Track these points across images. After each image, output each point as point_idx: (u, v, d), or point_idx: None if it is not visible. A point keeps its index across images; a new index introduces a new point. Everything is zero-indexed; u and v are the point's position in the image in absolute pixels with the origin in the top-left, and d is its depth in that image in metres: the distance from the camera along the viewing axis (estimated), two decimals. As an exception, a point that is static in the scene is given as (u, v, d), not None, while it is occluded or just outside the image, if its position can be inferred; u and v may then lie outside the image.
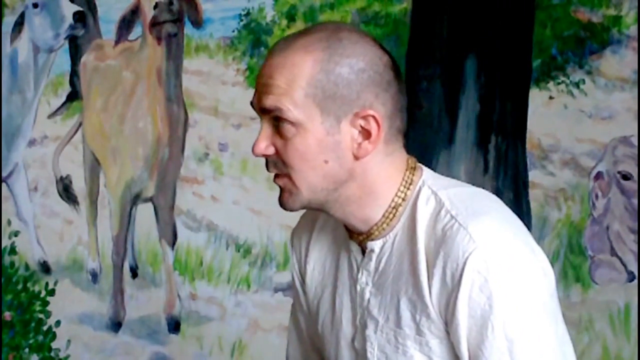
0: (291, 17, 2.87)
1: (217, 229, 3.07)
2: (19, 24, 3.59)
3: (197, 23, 3.07)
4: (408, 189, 1.30)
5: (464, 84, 2.45)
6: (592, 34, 2.30)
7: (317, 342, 1.52)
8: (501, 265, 1.20)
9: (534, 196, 2.36)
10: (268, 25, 2.92)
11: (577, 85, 2.32)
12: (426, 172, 1.34)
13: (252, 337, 2.97)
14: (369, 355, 1.33)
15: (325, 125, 1.25)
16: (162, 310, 3.20)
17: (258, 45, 2.95)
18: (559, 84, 2.34)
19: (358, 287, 1.35)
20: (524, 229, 1.30)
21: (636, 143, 2.22)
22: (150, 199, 3.23)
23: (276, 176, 1.31)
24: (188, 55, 3.10)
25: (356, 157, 1.27)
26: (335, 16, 2.75)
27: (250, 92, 1.33)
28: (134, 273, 3.30)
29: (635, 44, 2.22)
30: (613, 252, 2.27)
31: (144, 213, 3.25)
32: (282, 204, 1.32)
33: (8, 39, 3.62)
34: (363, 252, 1.35)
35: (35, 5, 3.52)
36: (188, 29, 3.09)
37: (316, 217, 1.48)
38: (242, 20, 2.98)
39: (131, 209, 3.29)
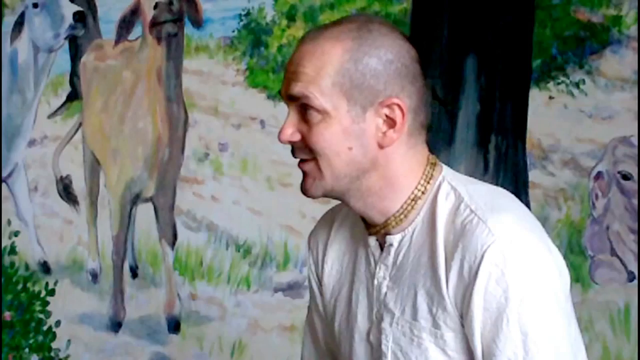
0: (291, 17, 2.87)
1: (217, 229, 3.06)
2: (19, 24, 3.59)
3: (197, 23, 3.07)
4: (428, 182, 1.32)
5: (464, 84, 2.45)
6: (592, 34, 2.30)
7: (331, 345, 1.53)
8: (518, 259, 1.21)
9: (534, 196, 2.36)
10: (268, 25, 2.92)
11: (577, 85, 2.32)
12: (446, 169, 1.36)
13: (252, 337, 2.97)
14: (383, 348, 1.33)
15: (351, 114, 1.27)
16: (162, 310, 3.20)
17: (258, 45, 2.95)
18: (559, 84, 2.35)
19: (375, 282, 1.36)
20: (541, 228, 1.31)
21: (636, 143, 2.22)
22: (150, 199, 3.23)
23: (301, 162, 1.32)
24: (188, 55, 3.10)
25: (380, 146, 1.29)
26: (336, 16, 2.75)
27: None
28: (134, 273, 3.30)
29: (635, 44, 2.22)
30: (613, 252, 2.27)
31: (144, 213, 3.25)
32: (305, 190, 1.32)
33: (8, 39, 3.62)
34: (381, 247, 1.37)
35: (35, 5, 3.52)
36: (188, 29, 3.09)
37: (333, 218, 1.49)
38: (242, 20, 2.98)
39: (131, 209, 3.29)
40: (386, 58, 1.27)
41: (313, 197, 1.33)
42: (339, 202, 1.38)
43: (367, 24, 1.29)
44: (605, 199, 2.27)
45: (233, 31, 3.00)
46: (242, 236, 2.99)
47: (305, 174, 1.31)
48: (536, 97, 2.37)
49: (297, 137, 1.29)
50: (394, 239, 1.33)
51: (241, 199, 2.99)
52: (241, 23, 2.98)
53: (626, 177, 2.25)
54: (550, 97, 2.35)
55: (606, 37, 2.27)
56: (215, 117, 3.05)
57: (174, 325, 3.17)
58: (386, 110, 1.28)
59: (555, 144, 2.35)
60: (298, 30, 2.85)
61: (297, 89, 1.27)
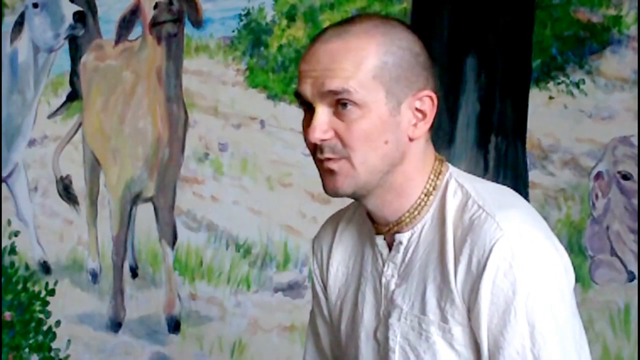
0: (291, 17, 2.87)
1: (217, 229, 3.06)
2: (19, 24, 3.59)
3: (197, 23, 3.07)
4: (437, 178, 1.33)
5: (464, 84, 2.45)
6: (592, 34, 2.30)
7: (336, 351, 1.53)
8: (526, 253, 1.23)
9: (534, 196, 2.36)
10: (268, 25, 2.92)
11: (577, 85, 2.32)
12: (451, 166, 1.37)
13: (252, 337, 2.97)
14: (391, 343, 1.34)
15: (389, 106, 1.27)
16: (162, 310, 3.20)
17: (258, 45, 2.95)
18: (559, 84, 2.34)
19: (383, 280, 1.37)
20: (547, 226, 1.32)
21: (636, 143, 2.22)
22: (150, 199, 3.23)
23: (328, 160, 1.29)
24: (188, 55, 3.10)
25: (410, 139, 1.30)
26: (335, 16, 2.75)
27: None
28: (134, 273, 3.30)
29: (635, 44, 2.22)
30: (613, 252, 2.27)
31: (144, 213, 3.25)
32: (335, 189, 1.29)
33: (8, 39, 3.62)
34: (389, 246, 1.37)
35: (35, 5, 3.52)
36: (188, 29, 3.09)
37: (338, 221, 1.49)
38: (242, 20, 2.98)
39: (131, 209, 3.29)
40: (415, 51, 1.30)
41: (343, 196, 1.31)
42: (337, 206, 1.38)
43: (388, 21, 1.32)
44: (605, 199, 2.27)
45: (233, 31, 3.00)
46: (242, 236, 2.99)
47: (332, 173, 1.28)
48: (536, 97, 2.37)
49: (330, 135, 1.27)
50: (404, 237, 1.34)
51: (241, 199, 2.99)
52: (241, 23, 2.98)
53: (626, 177, 2.24)
54: (550, 97, 2.35)
55: (606, 37, 2.27)
56: (215, 117, 3.05)
57: (174, 325, 3.17)
58: (417, 103, 1.29)
59: (555, 144, 2.35)
60: (298, 30, 2.85)
61: (337, 84, 1.25)
